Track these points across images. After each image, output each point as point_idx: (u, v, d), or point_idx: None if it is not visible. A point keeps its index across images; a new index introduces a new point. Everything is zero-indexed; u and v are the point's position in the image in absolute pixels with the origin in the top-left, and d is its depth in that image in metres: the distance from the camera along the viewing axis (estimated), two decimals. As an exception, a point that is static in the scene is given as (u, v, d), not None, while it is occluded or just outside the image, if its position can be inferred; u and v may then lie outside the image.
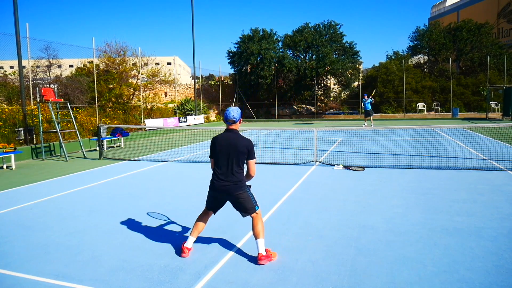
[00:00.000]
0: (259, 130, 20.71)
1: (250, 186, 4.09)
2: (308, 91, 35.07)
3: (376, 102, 33.19)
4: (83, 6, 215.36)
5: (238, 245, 4.32)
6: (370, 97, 21.49)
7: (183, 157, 11.72)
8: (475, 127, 18.56)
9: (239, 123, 4.04)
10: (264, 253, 3.85)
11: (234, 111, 3.99)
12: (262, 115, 35.73)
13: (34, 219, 5.58)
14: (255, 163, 4.05)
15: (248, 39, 33.73)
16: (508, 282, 3.31)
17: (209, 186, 4.07)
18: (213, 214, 4.23)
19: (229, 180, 3.90)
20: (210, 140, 4.05)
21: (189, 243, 4.11)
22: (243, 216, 4.04)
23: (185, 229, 4.97)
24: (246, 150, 3.90)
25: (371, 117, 21.36)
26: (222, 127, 23.63)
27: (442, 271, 3.54)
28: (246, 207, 3.95)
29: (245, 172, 4.04)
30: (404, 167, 8.94)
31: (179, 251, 4.16)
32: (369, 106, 21.13)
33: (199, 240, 4.51)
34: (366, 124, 21.44)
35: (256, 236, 3.92)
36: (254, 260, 3.89)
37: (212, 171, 4.06)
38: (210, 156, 4.08)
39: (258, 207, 4.02)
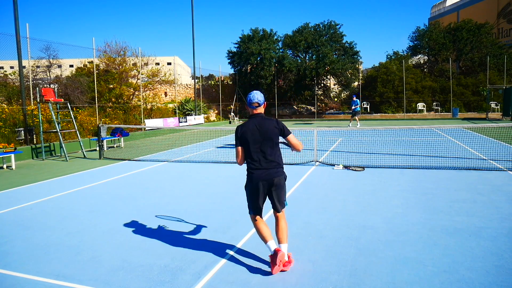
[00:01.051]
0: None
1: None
2: (308, 91, 35.08)
3: (376, 102, 33.27)
4: (83, 6, 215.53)
5: (238, 245, 4.32)
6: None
7: (183, 157, 11.72)
8: (475, 127, 18.56)
9: (264, 106, 3.80)
10: (286, 259, 3.66)
11: (258, 94, 3.74)
12: (262, 115, 35.69)
13: (34, 219, 5.58)
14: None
15: (248, 39, 33.73)
16: (508, 282, 3.31)
17: (247, 181, 3.75)
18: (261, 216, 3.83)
19: (268, 166, 3.66)
20: (236, 130, 3.74)
21: (272, 246, 3.65)
22: (278, 210, 3.73)
23: (186, 229, 4.96)
24: (277, 130, 3.69)
25: (357, 117, 22.26)
26: (223, 127, 23.48)
27: (442, 271, 3.54)
28: (281, 197, 3.71)
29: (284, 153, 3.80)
30: (404, 167, 8.94)
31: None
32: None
33: (199, 240, 4.52)
34: (351, 124, 21.84)
35: (280, 241, 3.68)
36: (255, 259, 3.89)
37: (246, 163, 3.78)
38: (239, 145, 3.73)
39: (287, 203, 3.84)
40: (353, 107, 21.85)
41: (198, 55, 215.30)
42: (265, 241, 3.68)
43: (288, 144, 3.89)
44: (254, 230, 4.75)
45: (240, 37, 34.53)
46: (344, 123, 27.51)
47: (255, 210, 3.77)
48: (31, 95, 14.93)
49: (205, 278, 3.54)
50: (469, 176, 7.79)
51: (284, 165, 3.86)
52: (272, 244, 3.65)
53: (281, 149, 3.86)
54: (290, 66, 32.56)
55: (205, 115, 29.64)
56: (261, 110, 3.78)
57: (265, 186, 3.68)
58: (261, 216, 3.80)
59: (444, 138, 14.92)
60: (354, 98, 21.97)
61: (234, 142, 3.89)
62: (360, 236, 4.52)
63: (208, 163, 10.23)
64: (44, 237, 4.80)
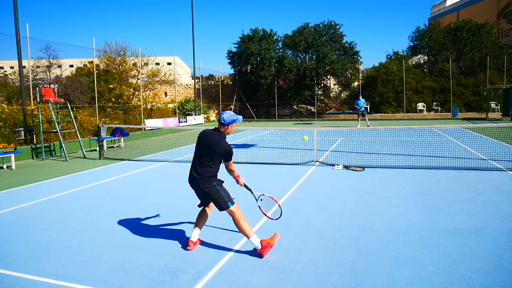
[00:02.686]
0: (259, 130, 20.71)
1: (222, 181, 4.17)
2: (308, 91, 35.07)
3: (376, 102, 33.27)
4: (83, 6, 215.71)
5: (238, 245, 4.32)
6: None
7: (183, 157, 11.71)
8: (475, 127, 18.55)
9: (228, 128, 4.12)
10: (260, 247, 3.94)
11: (226, 115, 4.11)
12: (262, 115, 35.74)
13: (34, 219, 5.58)
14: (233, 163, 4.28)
15: (248, 39, 33.72)
16: (508, 282, 3.31)
17: None
18: (207, 207, 4.38)
19: (196, 173, 4.08)
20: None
21: (194, 236, 4.28)
22: (220, 210, 4.13)
23: (186, 229, 4.97)
24: (222, 152, 4.02)
25: (366, 116, 21.89)
26: (222, 127, 23.87)
27: (442, 271, 3.55)
28: (216, 202, 4.07)
29: (215, 169, 4.13)
30: (404, 167, 8.94)
31: (185, 246, 4.28)
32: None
33: (199, 239, 4.52)
34: (360, 125, 21.63)
35: (245, 236, 4.02)
36: (255, 259, 3.90)
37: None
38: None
39: (231, 204, 4.06)
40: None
41: (198, 55, 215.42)
42: (194, 226, 4.33)
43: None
44: (254, 230, 4.76)
45: (240, 37, 34.55)
46: (344, 123, 27.51)
47: (200, 201, 4.37)
48: (31, 95, 14.93)
49: (205, 278, 3.54)
50: (469, 176, 7.79)
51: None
52: (194, 235, 4.30)
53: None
54: (290, 66, 32.55)
55: (205, 115, 29.64)
56: (223, 129, 4.14)
57: (195, 189, 4.20)
58: (203, 208, 4.36)
59: (444, 138, 14.92)
60: (360, 98, 21.70)
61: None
62: (360, 236, 4.52)
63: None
64: (44, 237, 4.80)
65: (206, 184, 4.04)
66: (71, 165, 10.89)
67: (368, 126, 20.56)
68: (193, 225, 4.40)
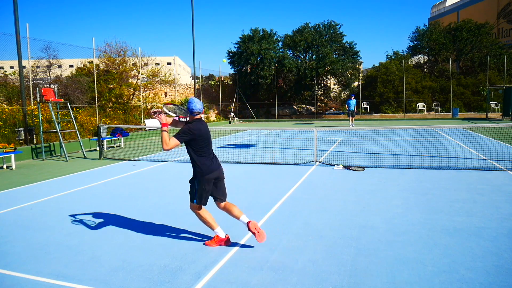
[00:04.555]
0: (259, 130, 20.70)
1: None
2: (308, 91, 35.06)
3: (376, 102, 33.27)
4: (83, 6, 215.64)
5: (238, 245, 4.32)
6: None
7: (183, 157, 11.71)
8: (475, 127, 18.55)
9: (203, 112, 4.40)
10: (248, 220, 4.20)
11: (199, 103, 4.20)
12: (262, 115, 35.73)
13: (34, 219, 5.58)
14: None
15: (248, 39, 33.71)
16: (508, 282, 3.31)
17: (203, 175, 4.19)
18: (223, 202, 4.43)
19: (219, 164, 4.36)
20: (189, 129, 4.06)
21: (222, 233, 4.35)
22: (222, 202, 4.31)
23: (186, 229, 4.96)
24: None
25: (352, 117, 22.73)
26: (223, 127, 23.56)
27: (442, 271, 3.55)
28: (225, 190, 4.40)
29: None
30: (404, 167, 8.94)
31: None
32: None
33: (199, 239, 4.53)
34: (353, 124, 22.11)
35: (237, 217, 4.22)
36: (255, 259, 3.89)
37: (200, 159, 4.24)
38: (187, 140, 4.10)
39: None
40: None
41: (198, 55, 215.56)
42: (213, 228, 4.30)
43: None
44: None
45: (240, 37, 34.52)
46: (344, 123, 27.50)
47: (206, 201, 4.27)
48: (31, 95, 14.93)
49: (205, 278, 3.54)
50: (469, 176, 7.79)
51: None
52: (220, 231, 4.33)
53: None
54: (290, 66, 32.54)
55: (205, 115, 29.64)
56: (200, 116, 4.28)
57: (214, 182, 4.28)
58: (222, 203, 4.38)
59: (444, 138, 14.93)
60: (352, 98, 22.69)
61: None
62: (360, 236, 4.52)
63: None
64: (44, 237, 4.80)
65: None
66: (71, 165, 10.89)
67: (351, 126, 21.32)
68: (196, 223, 4.38)
